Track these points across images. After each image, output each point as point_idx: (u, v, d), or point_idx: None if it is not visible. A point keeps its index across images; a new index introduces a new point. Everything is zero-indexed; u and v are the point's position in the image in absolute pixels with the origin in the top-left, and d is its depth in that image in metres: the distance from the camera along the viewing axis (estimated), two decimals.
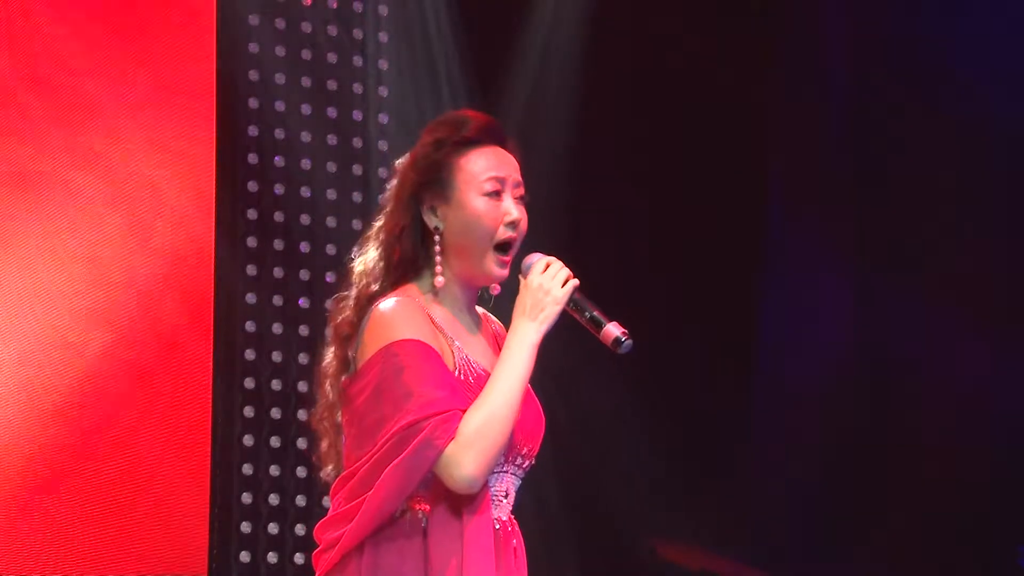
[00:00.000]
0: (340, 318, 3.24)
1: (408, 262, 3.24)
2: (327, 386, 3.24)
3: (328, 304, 3.33)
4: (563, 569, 6.44)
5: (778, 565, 6.36)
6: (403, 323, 3.13)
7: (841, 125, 6.97)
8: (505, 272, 3.26)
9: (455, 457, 3.05)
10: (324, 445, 3.28)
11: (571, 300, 3.22)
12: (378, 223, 3.30)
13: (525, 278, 3.25)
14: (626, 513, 6.57)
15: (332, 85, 6.17)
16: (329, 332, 3.26)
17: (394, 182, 3.31)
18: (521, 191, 3.30)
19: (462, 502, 3.11)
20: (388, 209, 3.29)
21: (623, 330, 3.20)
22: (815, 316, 6.92)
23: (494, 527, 3.17)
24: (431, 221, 3.25)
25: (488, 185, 3.25)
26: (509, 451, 3.18)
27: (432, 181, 3.25)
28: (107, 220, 5.64)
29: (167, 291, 5.69)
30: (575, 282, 3.23)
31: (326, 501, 5.90)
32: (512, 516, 3.25)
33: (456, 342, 3.19)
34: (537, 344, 3.17)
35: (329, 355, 3.25)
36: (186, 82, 5.82)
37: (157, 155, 5.74)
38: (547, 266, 3.24)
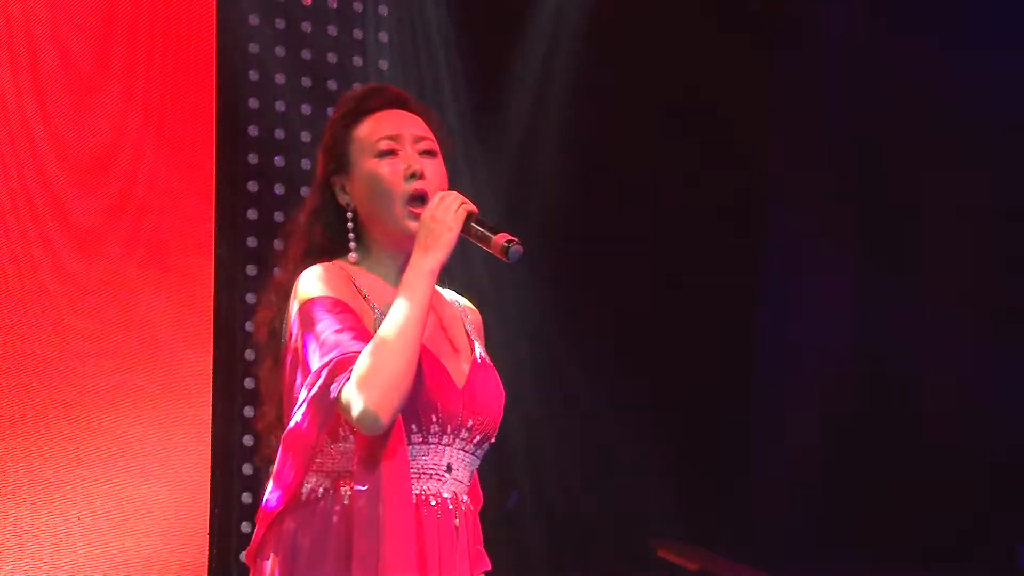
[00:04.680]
0: (266, 315, 3.14)
1: (322, 247, 3.15)
2: (271, 390, 3.14)
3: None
4: (563, 569, 6.44)
5: (778, 565, 6.36)
6: (316, 282, 3.02)
7: (841, 125, 6.97)
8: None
9: (351, 395, 2.88)
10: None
11: (466, 225, 3.08)
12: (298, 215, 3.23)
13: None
14: (626, 513, 6.58)
15: (332, 85, 6.17)
16: (257, 339, 3.16)
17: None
18: (426, 144, 3.17)
19: (383, 475, 2.93)
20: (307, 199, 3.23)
21: (511, 237, 3.06)
22: (815, 316, 6.92)
23: (412, 501, 2.99)
24: (343, 199, 3.17)
25: (382, 144, 3.15)
26: (449, 422, 3.04)
27: (335, 160, 3.18)
28: (107, 220, 5.64)
29: (167, 291, 5.69)
30: (469, 206, 3.09)
31: None
32: (460, 495, 3.08)
33: (380, 308, 3.06)
34: (433, 272, 3.02)
35: (266, 361, 3.14)
36: (186, 82, 5.82)
37: (157, 155, 5.74)
38: (441, 200, 3.09)
